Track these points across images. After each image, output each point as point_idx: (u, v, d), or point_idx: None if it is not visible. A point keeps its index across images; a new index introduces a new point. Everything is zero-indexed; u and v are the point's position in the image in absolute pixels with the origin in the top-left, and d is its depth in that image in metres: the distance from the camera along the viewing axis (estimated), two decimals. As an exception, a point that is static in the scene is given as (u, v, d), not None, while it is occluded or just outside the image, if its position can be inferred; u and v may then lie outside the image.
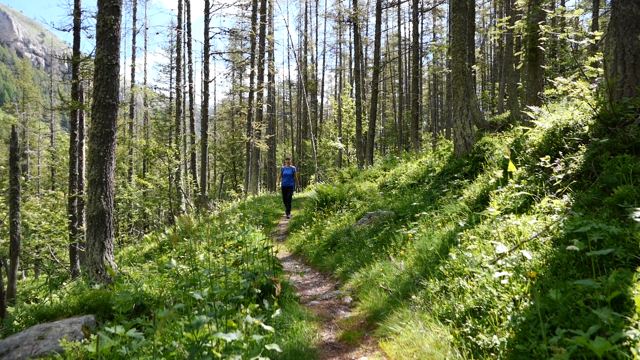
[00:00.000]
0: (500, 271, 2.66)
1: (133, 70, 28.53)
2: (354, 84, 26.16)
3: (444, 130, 36.56)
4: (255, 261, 5.25)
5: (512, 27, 6.86)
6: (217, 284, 4.57)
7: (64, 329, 3.58)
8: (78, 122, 14.96)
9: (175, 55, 26.66)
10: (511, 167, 3.76)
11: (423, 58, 38.50)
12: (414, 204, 6.13)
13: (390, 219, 6.32)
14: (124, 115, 28.09)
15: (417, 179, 8.78)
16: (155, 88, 29.40)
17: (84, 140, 15.19)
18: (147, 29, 29.11)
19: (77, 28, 14.64)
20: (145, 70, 32.96)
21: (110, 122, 8.14)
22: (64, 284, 9.14)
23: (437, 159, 9.41)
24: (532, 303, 2.26)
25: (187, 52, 22.10)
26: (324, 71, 46.31)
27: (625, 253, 2.52)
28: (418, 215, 5.69)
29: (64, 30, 15.01)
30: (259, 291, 3.02)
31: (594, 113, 4.39)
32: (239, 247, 7.70)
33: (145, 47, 29.54)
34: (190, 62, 21.77)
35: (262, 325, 2.27)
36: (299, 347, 2.82)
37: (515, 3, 6.68)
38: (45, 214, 16.76)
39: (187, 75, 22.75)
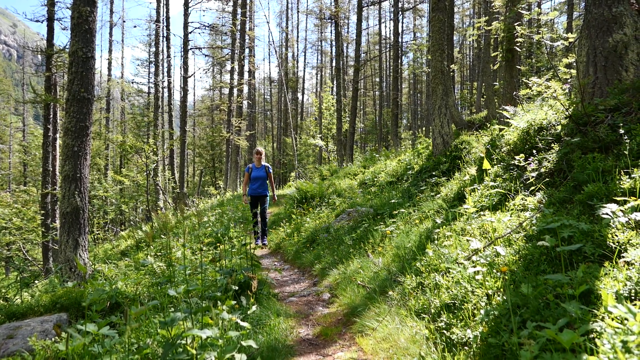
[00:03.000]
0: (474, 267, 2.71)
1: (110, 63, 27.88)
2: (335, 82, 26.21)
3: (424, 128, 36.94)
4: (233, 258, 5.21)
5: (489, 28, 6.98)
6: (194, 280, 4.53)
7: (34, 327, 3.49)
8: (52, 116, 14.56)
9: (153, 49, 26.22)
10: (486, 164, 3.82)
11: (403, 57, 38.81)
12: (393, 201, 6.18)
13: (369, 216, 6.36)
14: (100, 110, 27.45)
15: (396, 177, 8.86)
16: (132, 82, 28.80)
17: (57, 135, 14.79)
18: (124, 21, 28.44)
19: (50, 19, 14.22)
20: (122, 64, 32.20)
21: (85, 117, 7.95)
22: (36, 282, 8.89)
23: (416, 157, 9.51)
24: (504, 297, 2.31)
25: (166, 46, 21.75)
26: (305, 68, 46.19)
27: (593, 248, 2.60)
28: (396, 212, 5.75)
29: (37, 21, 14.57)
30: (236, 288, 3.00)
31: (567, 113, 4.51)
32: (217, 244, 7.63)
33: (123, 41, 28.88)
34: (169, 56, 21.42)
35: (239, 321, 2.26)
36: (276, 343, 2.82)
37: (493, 4, 6.80)
38: (17, 210, 16.26)
39: (165, 70, 22.41)
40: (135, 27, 23.50)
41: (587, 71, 4.99)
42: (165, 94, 22.71)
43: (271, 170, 8.32)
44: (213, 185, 26.45)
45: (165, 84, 20.10)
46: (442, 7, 8.02)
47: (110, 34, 29.49)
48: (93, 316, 3.83)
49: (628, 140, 3.55)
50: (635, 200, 2.81)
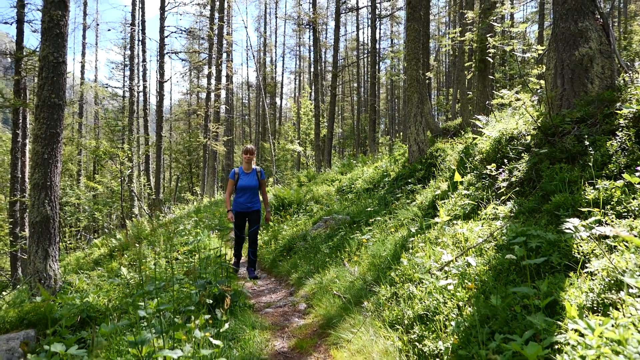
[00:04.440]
0: (446, 278, 2.76)
1: (83, 67, 27.24)
2: (313, 88, 26.29)
3: (401, 133, 37.34)
4: (209, 268, 5.16)
5: (462, 39, 7.15)
6: (169, 292, 4.46)
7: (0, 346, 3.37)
8: (21, 120, 14.12)
9: (128, 52, 25.73)
10: (457, 177, 3.92)
11: (381, 63, 39.25)
12: (369, 209, 6.23)
13: (346, 224, 6.39)
14: (73, 114, 26.75)
15: (373, 184, 8.93)
16: (107, 86, 28.21)
17: (27, 140, 14.34)
18: (98, 24, 27.93)
19: (20, 21, 13.84)
20: (96, 68, 31.56)
21: (56, 123, 7.77)
22: (4, 293, 8.57)
23: (392, 164, 9.62)
24: (474, 308, 2.36)
25: (142, 50, 21.37)
26: (283, 73, 46.23)
27: (559, 259, 2.69)
28: (373, 220, 5.80)
29: (6, 23, 14.14)
30: (211, 302, 2.97)
31: (537, 124, 4.64)
32: (193, 253, 7.53)
33: (97, 44, 28.36)
34: (144, 61, 21.09)
35: (211, 340, 2.23)
36: (251, 357, 2.80)
37: (466, 15, 6.97)
38: (-17, 218, 15.66)
39: (141, 74, 22.01)
40: (109, 30, 23.14)
41: (555, 83, 5.16)
42: (141, 99, 22.33)
43: (265, 176, 6.17)
44: (190, 191, 26.11)
45: (141, 88, 19.78)
46: (418, 17, 8.16)
47: (84, 37, 28.86)
48: (63, 332, 3.73)
49: (593, 152, 3.68)
50: (599, 211, 2.92)
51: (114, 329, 2.34)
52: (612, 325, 1.55)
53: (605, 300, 1.97)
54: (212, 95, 20.56)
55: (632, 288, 1.77)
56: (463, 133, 8.95)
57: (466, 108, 9.86)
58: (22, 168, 13.80)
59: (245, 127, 49.75)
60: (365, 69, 41.12)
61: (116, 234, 16.05)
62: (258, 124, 41.81)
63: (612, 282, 2.03)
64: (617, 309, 1.87)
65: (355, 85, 43.53)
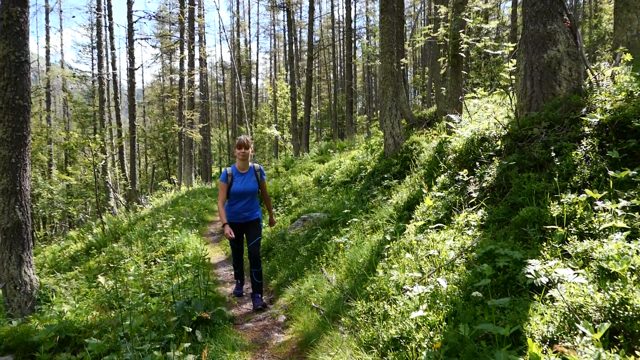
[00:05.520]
0: (418, 303, 2.87)
1: (48, 52, 26.13)
2: (289, 70, 25.95)
3: (377, 112, 37.38)
4: (187, 278, 5.18)
5: (435, 35, 7.17)
6: (150, 305, 4.47)
7: (-23, 375, 3.34)
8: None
9: (95, 33, 24.73)
10: (427, 202, 4.04)
11: (357, 41, 38.87)
12: (346, 210, 6.31)
13: (323, 224, 6.47)
14: (40, 102, 25.77)
15: (350, 177, 9.01)
16: (75, 70, 27.15)
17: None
18: (61, 11, 26.64)
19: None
20: (62, 52, 30.29)
21: (22, 126, 7.52)
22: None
23: (369, 154, 9.69)
24: (443, 338, 2.47)
25: (109, 36, 20.53)
26: (258, 53, 45.46)
27: (525, 278, 2.81)
28: (349, 222, 5.88)
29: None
30: (190, 330, 3.02)
31: (506, 130, 4.75)
32: (173, 254, 7.51)
33: (61, 27, 27.09)
34: (113, 48, 20.34)
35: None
36: (232, 383, 2.87)
37: (439, 11, 6.97)
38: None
39: (110, 61, 21.25)
40: (74, 17, 22.04)
41: (524, 85, 5.26)
42: (112, 88, 21.61)
43: (265, 176, 5.16)
44: (167, 179, 25.75)
45: (111, 77, 19.16)
46: (391, 9, 8.10)
47: (47, 20, 27.58)
48: (42, 358, 3.72)
49: (559, 163, 3.80)
50: (563, 230, 3.05)
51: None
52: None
53: (564, 336, 2.09)
54: (186, 80, 20.09)
55: (586, 335, 1.88)
56: (437, 124, 9.06)
57: (441, 97, 9.96)
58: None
59: (221, 110, 48.96)
60: (341, 47, 40.70)
61: (92, 227, 15.78)
62: (234, 106, 41.21)
63: (570, 318, 2.15)
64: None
65: (332, 63, 43.14)
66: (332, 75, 41.70)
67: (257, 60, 46.02)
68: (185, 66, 20.38)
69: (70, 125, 26.42)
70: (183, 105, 19.38)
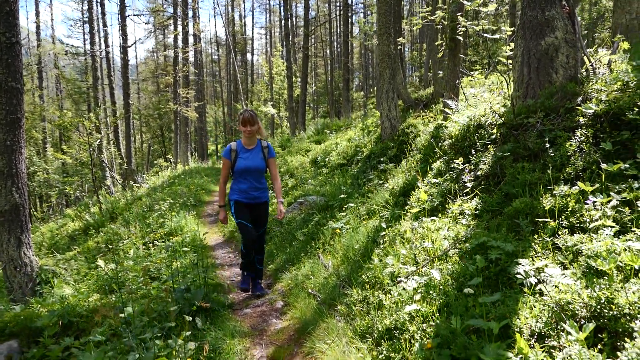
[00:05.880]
0: (411, 299, 2.95)
1: (38, 27, 25.54)
2: (285, 48, 25.58)
3: (374, 89, 37.06)
4: (186, 262, 5.26)
5: (433, 18, 7.08)
6: (150, 290, 4.55)
7: (-17, 361, 3.43)
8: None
9: (86, 7, 24.12)
10: (423, 196, 4.09)
11: (354, 16, 38.18)
12: (342, 196, 6.36)
13: (320, 208, 6.54)
14: (31, 79, 25.35)
15: (347, 159, 9.05)
16: (67, 45, 26.64)
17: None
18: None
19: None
20: (52, 27, 29.60)
21: (16, 108, 7.46)
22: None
23: (366, 136, 9.70)
24: (435, 330, 2.56)
25: (101, 13, 20.07)
26: (253, 28, 44.71)
27: (516, 277, 2.89)
28: (346, 206, 5.95)
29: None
30: (190, 319, 3.11)
31: (502, 119, 4.77)
32: (171, 236, 7.59)
33: (51, 1, 26.40)
34: (105, 25, 19.91)
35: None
36: (232, 370, 2.98)
37: (437, -8, 6.87)
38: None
39: (102, 38, 20.85)
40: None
41: (522, 71, 5.25)
42: (104, 64, 21.28)
43: (274, 153, 4.69)
44: (163, 157, 25.68)
45: (103, 54, 18.83)
46: (388, -11, 7.97)
47: (36, -7, 26.81)
48: (46, 342, 3.82)
49: (552, 153, 3.85)
50: (554, 223, 3.12)
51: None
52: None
53: (551, 332, 2.18)
54: (180, 57, 19.79)
55: (571, 335, 1.97)
56: (434, 106, 9.05)
57: (438, 79, 9.91)
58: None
59: (216, 87, 48.40)
60: (338, 22, 40.00)
61: (89, 205, 15.81)
62: (230, 83, 40.72)
63: (557, 313, 2.23)
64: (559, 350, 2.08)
65: (328, 39, 42.50)
66: (328, 52, 41.14)
67: (253, 35, 45.27)
68: (179, 43, 20.04)
69: (64, 102, 26.11)
70: (178, 84, 19.14)
